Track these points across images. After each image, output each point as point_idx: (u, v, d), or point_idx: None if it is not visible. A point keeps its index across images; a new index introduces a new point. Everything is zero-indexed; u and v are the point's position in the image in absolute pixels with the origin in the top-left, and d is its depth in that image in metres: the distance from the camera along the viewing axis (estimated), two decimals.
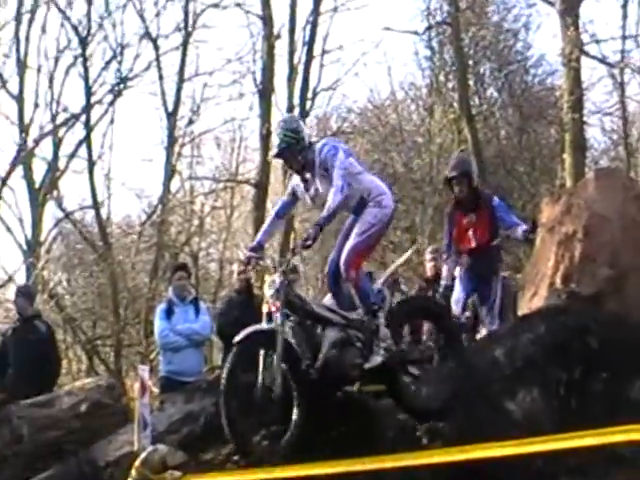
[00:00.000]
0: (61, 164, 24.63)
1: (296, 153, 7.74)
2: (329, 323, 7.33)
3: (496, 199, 10.12)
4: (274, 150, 7.95)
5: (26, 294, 11.83)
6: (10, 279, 23.63)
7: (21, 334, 11.07)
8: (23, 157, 23.83)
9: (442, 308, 8.49)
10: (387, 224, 7.80)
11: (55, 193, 24.55)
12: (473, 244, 9.79)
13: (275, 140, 7.91)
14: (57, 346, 12.53)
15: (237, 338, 7.06)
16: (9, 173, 24.18)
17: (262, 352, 6.96)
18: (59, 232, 25.80)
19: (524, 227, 9.81)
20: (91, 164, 23.80)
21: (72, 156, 24.55)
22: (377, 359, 7.05)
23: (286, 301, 7.28)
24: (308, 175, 7.79)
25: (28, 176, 24.11)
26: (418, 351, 7.60)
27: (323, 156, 7.67)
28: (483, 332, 9.71)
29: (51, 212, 25.62)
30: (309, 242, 7.34)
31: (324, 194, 7.68)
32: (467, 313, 9.81)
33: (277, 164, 22.68)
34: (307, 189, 7.86)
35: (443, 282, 9.99)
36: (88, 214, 25.83)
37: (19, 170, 24.21)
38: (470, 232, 9.82)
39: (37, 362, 10.64)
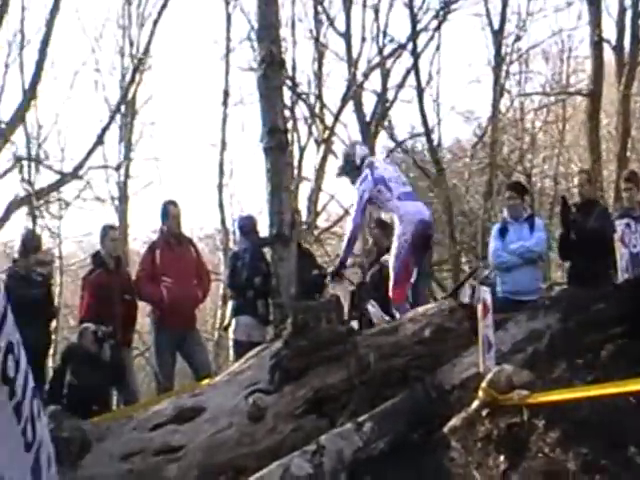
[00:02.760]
0: (390, 95, 24.99)
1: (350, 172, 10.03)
2: None
3: None
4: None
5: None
6: None
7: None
8: (353, 92, 24.30)
9: None
10: (413, 244, 9.49)
11: (386, 124, 24.92)
12: None
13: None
14: None
15: None
16: (340, 109, 24.75)
17: None
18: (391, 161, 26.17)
19: None
20: (420, 91, 23.90)
21: (400, 86, 24.85)
22: None
23: None
24: None
25: (359, 110, 24.57)
26: None
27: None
28: None
29: (382, 143, 26.07)
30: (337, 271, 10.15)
31: None
32: None
33: (611, 71, 21.90)
34: None
35: None
36: (418, 142, 26.11)
37: (350, 105, 24.76)
38: None
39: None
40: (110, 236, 11.68)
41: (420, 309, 8.31)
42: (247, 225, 12.17)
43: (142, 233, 27.22)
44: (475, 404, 5.95)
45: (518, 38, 24.43)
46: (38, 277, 11.03)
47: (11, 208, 21.94)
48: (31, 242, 11.73)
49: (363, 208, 9.85)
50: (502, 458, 5.48)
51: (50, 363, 13.65)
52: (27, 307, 9.29)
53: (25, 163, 23.57)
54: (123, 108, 25.62)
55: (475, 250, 22.18)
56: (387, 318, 9.26)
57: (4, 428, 3.58)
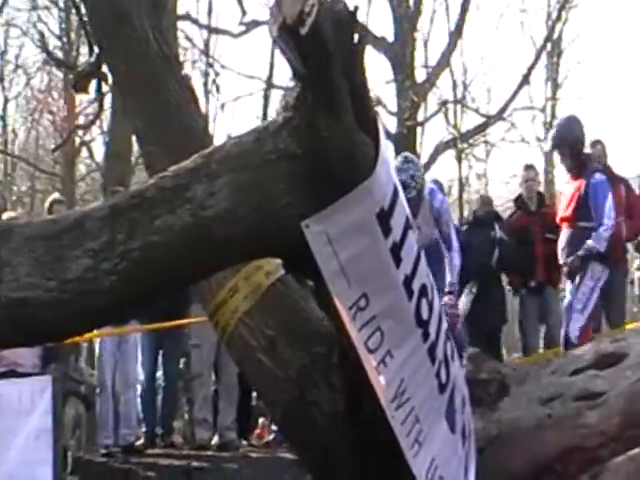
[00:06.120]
0: None
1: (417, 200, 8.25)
2: None
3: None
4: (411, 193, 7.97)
5: None
6: None
7: None
8: None
9: None
10: None
11: None
12: None
13: (408, 183, 8.07)
14: None
15: None
16: None
17: None
18: None
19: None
20: None
21: None
22: None
23: None
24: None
25: None
26: None
27: (438, 205, 8.69)
28: None
29: None
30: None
31: (424, 233, 8.17)
32: None
33: None
34: None
35: None
36: None
37: None
38: None
39: None
40: (527, 176, 11.80)
41: None
42: None
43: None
44: None
45: None
46: None
47: (437, 151, 22.42)
48: None
49: None
50: None
51: None
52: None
53: (451, 106, 23.97)
54: (549, 47, 25.25)
55: None
56: None
57: (418, 370, 3.61)
